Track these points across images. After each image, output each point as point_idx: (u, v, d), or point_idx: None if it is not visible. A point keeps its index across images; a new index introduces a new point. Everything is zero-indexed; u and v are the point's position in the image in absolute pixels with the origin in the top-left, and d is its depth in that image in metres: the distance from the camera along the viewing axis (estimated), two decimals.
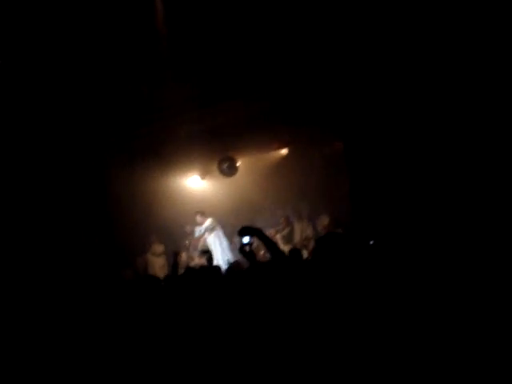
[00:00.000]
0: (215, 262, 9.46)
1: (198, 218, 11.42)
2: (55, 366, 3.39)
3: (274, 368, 2.79)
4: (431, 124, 7.79)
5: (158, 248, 12.06)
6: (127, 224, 11.49)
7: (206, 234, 11.42)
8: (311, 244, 11.12)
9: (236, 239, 11.89)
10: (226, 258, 10.82)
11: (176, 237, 12.13)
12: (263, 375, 2.83)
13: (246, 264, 4.53)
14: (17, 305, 5.44)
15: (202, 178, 12.66)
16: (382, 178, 8.76)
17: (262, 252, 11.56)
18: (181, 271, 6.95)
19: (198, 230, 11.59)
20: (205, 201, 12.01)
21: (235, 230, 11.26)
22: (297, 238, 11.58)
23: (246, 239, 3.52)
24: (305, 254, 10.28)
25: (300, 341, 2.75)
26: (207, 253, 9.45)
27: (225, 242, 11.33)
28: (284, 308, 3.03)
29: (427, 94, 7.83)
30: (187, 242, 12.01)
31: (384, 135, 8.58)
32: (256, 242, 3.58)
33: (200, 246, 11.76)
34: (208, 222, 11.39)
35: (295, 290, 3.07)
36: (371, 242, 6.13)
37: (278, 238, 11.47)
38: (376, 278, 3.11)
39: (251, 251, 3.61)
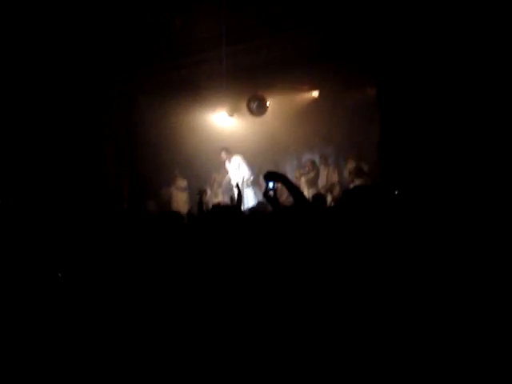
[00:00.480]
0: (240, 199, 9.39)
1: (223, 155, 11.35)
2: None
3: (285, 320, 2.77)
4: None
5: (182, 182, 12.11)
6: (153, 155, 11.51)
7: (231, 171, 11.39)
8: (336, 190, 11.09)
9: (261, 181, 11.92)
10: (251, 197, 10.82)
11: (200, 173, 12.10)
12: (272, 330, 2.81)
13: (269, 208, 4.49)
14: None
15: (230, 115, 12.50)
16: (413, 130, 8.54)
17: (284, 196, 11.57)
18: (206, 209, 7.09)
19: (224, 167, 11.56)
20: (231, 139, 11.91)
21: (260, 171, 11.39)
22: (322, 182, 11.51)
23: (270, 184, 3.45)
24: (329, 199, 10.25)
25: (313, 291, 2.73)
26: (232, 191, 9.32)
27: (249, 181, 11.28)
28: (302, 255, 3.00)
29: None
30: (212, 179, 12.03)
31: (422, 87, 8.29)
32: (280, 187, 3.51)
33: (224, 184, 11.79)
34: (234, 159, 11.32)
35: (315, 238, 3.02)
36: (396, 192, 6.05)
37: (303, 181, 11.43)
38: (397, 233, 3.05)
39: (275, 196, 3.54)
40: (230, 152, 11.37)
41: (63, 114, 10.12)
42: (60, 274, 3.69)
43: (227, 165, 11.45)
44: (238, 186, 7.28)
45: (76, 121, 10.33)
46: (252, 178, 11.24)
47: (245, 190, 10.96)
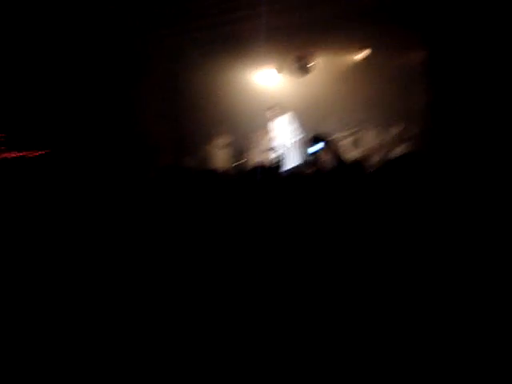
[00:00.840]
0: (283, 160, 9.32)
1: (269, 114, 11.19)
2: None
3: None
4: None
5: (223, 140, 12.06)
6: (196, 111, 11.50)
7: (277, 131, 11.24)
8: (380, 153, 10.94)
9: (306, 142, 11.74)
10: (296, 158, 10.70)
11: (246, 131, 12.00)
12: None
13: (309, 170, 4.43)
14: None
15: (279, 72, 12.33)
16: (461, 98, 8.27)
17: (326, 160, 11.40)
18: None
19: (270, 126, 11.43)
20: (279, 97, 11.74)
21: (304, 130, 11.28)
22: (367, 144, 11.33)
23: (316, 147, 3.39)
24: (371, 162, 10.11)
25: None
26: (275, 150, 9.16)
27: (296, 142, 11.14)
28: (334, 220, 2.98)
29: None
30: (257, 137, 11.93)
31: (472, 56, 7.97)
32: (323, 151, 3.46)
33: (269, 143, 11.69)
34: (281, 118, 11.16)
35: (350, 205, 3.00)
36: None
37: (349, 142, 11.30)
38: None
39: (318, 160, 3.49)
40: (277, 111, 11.19)
41: (106, 65, 10.16)
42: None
43: (273, 124, 11.31)
44: (279, 146, 7.23)
45: (119, 72, 10.35)
46: (299, 138, 11.08)
47: (290, 150, 10.86)
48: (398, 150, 10.23)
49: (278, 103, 11.25)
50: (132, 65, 10.52)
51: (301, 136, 11.01)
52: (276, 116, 11.14)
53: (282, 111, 11.16)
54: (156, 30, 10.62)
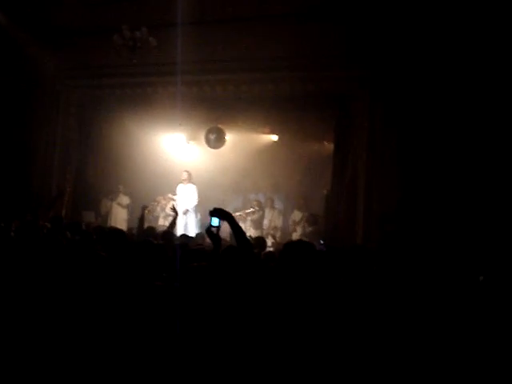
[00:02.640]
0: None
1: (185, 176, 11.21)
2: None
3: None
4: None
5: (125, 199, 11.86)
6: (101, 167, 11.29)
7: (181, 196, 11.23)
8: (278, 235, 11.14)
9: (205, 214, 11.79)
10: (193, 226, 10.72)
11: (145, 193, 11.86)
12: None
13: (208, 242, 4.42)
14: None
15: (187, 142, 12.44)
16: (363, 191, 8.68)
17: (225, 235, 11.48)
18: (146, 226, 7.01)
19: (173, 191, 11.39)
20: (184, 166, 11.79)
21: (207, 202, 11.30)
22: (265, 224, 11.53)
23: (215, 221, 3.38)
24: (268, 242, 10.24)
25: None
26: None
27: (195, 211, 11.18)
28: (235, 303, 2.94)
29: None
30: (156, 202, 11.85)
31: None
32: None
33: (167, 208, 11.63)
34: (190, 186, 11.20)
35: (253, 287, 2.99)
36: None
37: (248, 222, 11.42)
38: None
39: (218, 234, 3.47)
40: (191, 177, 11.28)
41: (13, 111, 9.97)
42: None
43: (180, 188, 11.32)
44: (175, 210, 7.26)
45: (24, 121, 10.15)
46: (195, 209, 11.18)
47: (189, 217, 10.88)
48: (298, 234, 10.52)
49: (187, 170, 11.35)
50: (39, 111, 10.32)
51: (201, 206, 11.09)
52: (190, 181, 11.23)
53: (188, 179, 11.25)
54: (72, 78, 10.55)
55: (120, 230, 5.74)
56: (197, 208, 11.16)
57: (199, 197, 11.23)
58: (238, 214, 11.08)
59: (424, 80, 7.81)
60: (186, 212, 10.78)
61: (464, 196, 7.31)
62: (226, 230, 3.57)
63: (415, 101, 7.89)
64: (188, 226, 10.76)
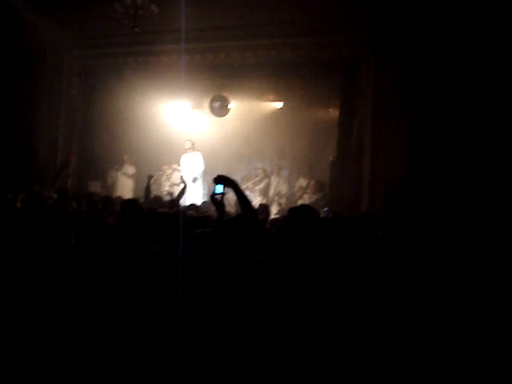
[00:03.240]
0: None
1: (188, 145, 11.17)
2: None
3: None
4: None
5: (130, 169, 11.88)
6: (106, 137, 11.28)
7: (186, 165, 11.21)
8: (283, 201, 11.15)
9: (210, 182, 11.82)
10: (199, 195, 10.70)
11: (150, 162, 11.86)
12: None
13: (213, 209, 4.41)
14: None
15: (192, 110, 12.37)
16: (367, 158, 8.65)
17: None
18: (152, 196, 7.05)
19: (179, 160, 11.37)
20: (188, 134, 11.75)
21: (213, 171, 11.33)
22: (271, 191, 11.55)
23: (219, 188, 3.36)
24: (274, 209, 10.28)
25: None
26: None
27: (202, 180, 11.16)
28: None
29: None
30: (161, 171, 11.86)
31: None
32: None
33: (173, 177, 11.64)
34: (195, 153, 11.16)
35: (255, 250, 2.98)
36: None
37: (256, 191, 11.43)
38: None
39: (222, 201, 3.46)
40: (194, 146, 11.23)
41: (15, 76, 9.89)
42: None
43: (185, 158, 11.29)
44: (183, 181, 7.27)
45: (28, 92, 10.08)
46: (202, 176, 11.14)
47: (195, 186, 10.86)
48: (305, 200, 10.51)
49: (190, 139, 11.30)
50: (42, 82, 10.26)
51: (206, 174, 11.08)
52: (193, 149, 11.19)
53: (192, 147, 11.21)
54: (70, 48, 10.49)
55: (133, 200, 5.77)
56: (204, 176, 11.13)
57: (204, 165, 11.21)
58: (245, 185, 11.11)
59: (429, 44, 7.69)
60: (194, 180, 10.74)
61: (471, 161, 7.26)
62: (232, 198, 3.57)
63: (421, 65, 7.78)
64: (196, 194, 10.75)
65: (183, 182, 7.24)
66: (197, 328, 2.53)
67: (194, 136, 11.57)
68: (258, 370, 2.35)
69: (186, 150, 11.23)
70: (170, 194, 10.20)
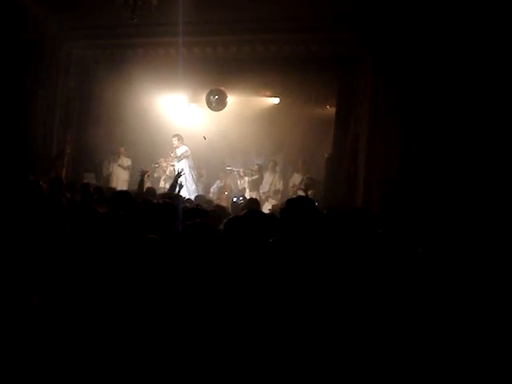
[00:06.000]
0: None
1: (175, 142, 11.20)
2: None
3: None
4: None
5: (126, 161, 11.89)
6: (102, 129, 11.26)
7: (177, 159, 11.24)
8: (278, 197, 11.17)
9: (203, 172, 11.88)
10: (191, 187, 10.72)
11: (146, 155, 11.87)
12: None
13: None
14: None
15: (189, 103, 12.38)
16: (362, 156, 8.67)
17: (225, 193, 11.56)
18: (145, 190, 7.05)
19: (172, 155, 11.38)
20: (185, 127, 11.77)
21: (208, 164, 11.34)
22: (264, 188, 11.53)
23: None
24: (268, 206, 10.31)
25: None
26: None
27: (191, 173, 11.16)
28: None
29: None
30: (157, 164, 11.86)
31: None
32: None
33: (168, 170, 11.64)
34: (183, 148, 11.18)
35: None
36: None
37: (246, 181, 11.47)
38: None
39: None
40: (183, 140, 11.23)
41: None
42: None
43: (175, 152, 11.29)
44: (178, 175, 7.30)
45: (25, 81, 10.06)
46: (195, 172, 11.20)
47: (187, 181, 10.86)
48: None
49: (178, 135, 11.30)
50: (40, 72, 10.23)
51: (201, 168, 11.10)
52: (181, 144, 11.19)
53: (179, 143, 11.21)
54: (73, 39, 10.44)
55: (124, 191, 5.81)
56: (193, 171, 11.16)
57: (200, 160, 11.25)
58: (235, 169, 11.20)
59: (427, 41, 7.71)
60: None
61: (466, 160, 7.28)
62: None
63: (418, 63, 7.80)
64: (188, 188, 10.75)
65: (179, 175, 7.23)
66: (197, 319, 2.54)
67: (191, 129, 11.61)
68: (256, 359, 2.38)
69: (174, 148, 11.24)
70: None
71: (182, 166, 10.90)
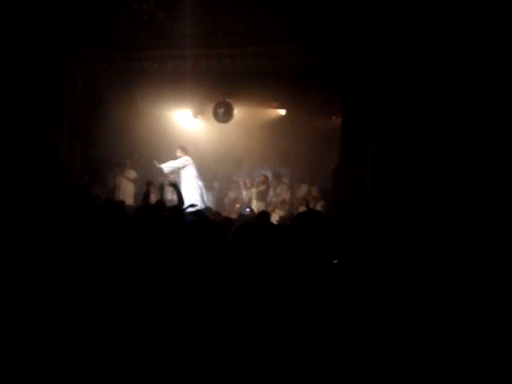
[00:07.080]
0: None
1: (178, 153, 11.25)
2: None
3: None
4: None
5: (132, 173, 11.92)
6: (109, 141, 11.31)
7: (182, 171, 11.27)
8: (285, 208, 11.18)
9: (215, 184, 11.91)
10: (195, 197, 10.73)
11: (149, 168, 11.89)
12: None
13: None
14: None
15: (194, 117, 12.43)
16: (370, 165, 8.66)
17: (237, 205, 11.59)
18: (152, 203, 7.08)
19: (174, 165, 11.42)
20: (191, 139, 11.82)
21: (214, 176, 11.33)
22: (273, 198, 11.54)
23: None
24: (275, 217, 10.29)
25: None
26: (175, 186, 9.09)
27: (195, 183, 11.17)
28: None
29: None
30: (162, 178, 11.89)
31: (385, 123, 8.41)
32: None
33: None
34: (184, 159, 11.21)
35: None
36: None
37: (253, 192, 11.49)
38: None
39: None
40: (186, 152, 11.27)
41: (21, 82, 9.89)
42: None
43: (177, 162, 11.33)
44: (175, 186, 7.32)
45: (33, 96, 10.09)
46: (200, 182, 11.21)
47: (192, 192, 10.88)
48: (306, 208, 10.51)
49: (191, 145, 11.35)
50: (48, 86, 10.27)
51: (208, 179, 11.13)
52: (184, 155, 11.23)
53: (194, 154, 11.26)
54: (81, 52, 10.51)
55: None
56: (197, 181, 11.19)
57: (207, 172, 11.27)
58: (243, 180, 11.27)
59: (434, 52, 7.72)
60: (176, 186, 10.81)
61: (469, 168, 7.26)
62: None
63: (424, 73, 7.80)
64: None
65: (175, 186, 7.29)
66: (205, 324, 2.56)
67: (197, 142, 11.66)
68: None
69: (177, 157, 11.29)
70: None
71: (186, 175, 10.98)
